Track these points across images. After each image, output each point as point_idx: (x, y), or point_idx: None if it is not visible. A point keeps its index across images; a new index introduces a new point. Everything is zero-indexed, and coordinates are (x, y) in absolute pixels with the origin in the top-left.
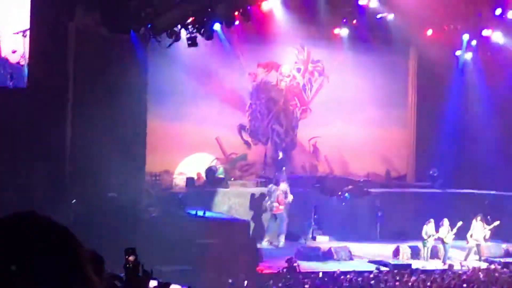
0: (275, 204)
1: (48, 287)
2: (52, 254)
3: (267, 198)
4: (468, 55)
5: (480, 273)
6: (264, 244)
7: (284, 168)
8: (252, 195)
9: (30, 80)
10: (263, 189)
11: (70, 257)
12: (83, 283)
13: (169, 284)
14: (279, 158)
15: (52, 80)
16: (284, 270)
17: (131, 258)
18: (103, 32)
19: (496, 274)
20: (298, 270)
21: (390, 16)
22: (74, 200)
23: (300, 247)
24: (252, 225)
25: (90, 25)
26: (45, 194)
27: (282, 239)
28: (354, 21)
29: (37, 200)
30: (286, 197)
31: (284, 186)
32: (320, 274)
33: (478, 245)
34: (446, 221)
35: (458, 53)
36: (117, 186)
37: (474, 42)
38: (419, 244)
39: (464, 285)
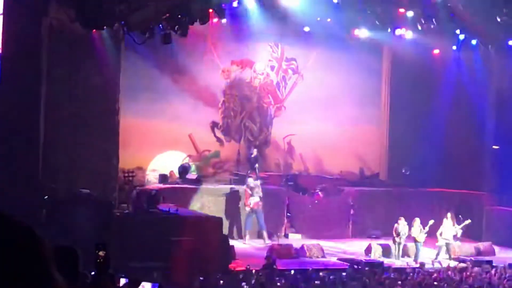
0: (256, 199)
1: (10, 286)
2: (14, 253)
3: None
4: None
5: (450, 271)
6: (247, 241)
7: (257, 165)
8: (229, 192)
9: (2, 76)
10: (240, 187)
11: (33, 256)
12: (46, 283)
13: (139, 282)
14: (253, 155)
15: (25, 76)
16: (263, 267)
17: (101, 253)
18: (76, 28)
19: (467, 273)
20: (276, 267)
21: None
22: (47, 197)
23: (272, 245)
24: (227, 222)
25: (63, 21)
26: (18, 190)
27: (265, 234)
28: (329, 19)
29: (10, 196)
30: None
31: (258, 182)
32: (292, 272)
33: (448, 244)
34: (417, 220)
35: (436, 51)
36: (90, 183)
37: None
38: (391, 242)
39: (435, 283)
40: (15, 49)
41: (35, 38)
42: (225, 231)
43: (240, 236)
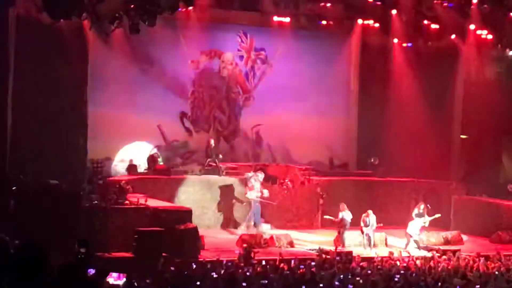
0: (257, 193)
1: None
2: None
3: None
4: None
5: (418, 260)
6: (242, 230)
7: (220, 156)
8: (223, 183)
9: None
10: (227, 179)
11: None
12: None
13: (107, 272)
14: (212, 146)
15: None
16: (239, 257)
17: (83, 249)
18: (44, 19)
19: (435, 262)
20: (253, 258)
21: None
22: (15, 188)
23: (242, 235)
24: (212, 212)
25: (31, 11)
26: None
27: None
28: (297, 9)
29: None
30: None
31: (261, 175)
32: (263, 262)
33: (417, 234)
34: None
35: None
36: (58, 174)
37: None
38: (359, 232)
39: (402, 272)
40: None
41: (2, 28)
42: (203, 221)
43: (235, 227)
